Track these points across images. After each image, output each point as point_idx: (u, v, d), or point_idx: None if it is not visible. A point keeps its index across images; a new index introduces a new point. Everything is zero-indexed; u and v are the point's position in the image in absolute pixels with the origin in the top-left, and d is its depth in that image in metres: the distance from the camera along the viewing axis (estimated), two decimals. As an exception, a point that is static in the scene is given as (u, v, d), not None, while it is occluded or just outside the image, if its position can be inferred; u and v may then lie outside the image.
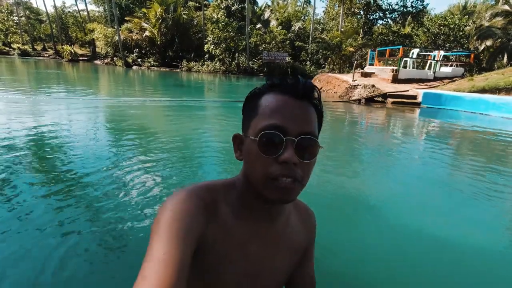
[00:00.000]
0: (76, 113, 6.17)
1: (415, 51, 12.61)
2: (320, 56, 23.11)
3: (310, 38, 25.08)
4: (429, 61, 12.78)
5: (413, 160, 4.49)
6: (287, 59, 22.89)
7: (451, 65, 12.89)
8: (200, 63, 25.20)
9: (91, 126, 5.10)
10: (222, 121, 6.73)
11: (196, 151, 4.09)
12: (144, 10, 26.17)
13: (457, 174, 3.88)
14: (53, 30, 36.75)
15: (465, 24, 25.51)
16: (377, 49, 14.55)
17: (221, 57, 24.47)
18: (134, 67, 26.02)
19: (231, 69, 24.28)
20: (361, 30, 25.29)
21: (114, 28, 27.20)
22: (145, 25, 26.59)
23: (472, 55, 14.01)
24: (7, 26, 36.30)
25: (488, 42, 23.60)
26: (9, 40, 36.68)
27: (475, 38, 24.11)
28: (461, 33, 24.91)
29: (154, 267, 0.44)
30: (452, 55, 14.51)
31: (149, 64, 26.26)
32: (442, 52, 12.63)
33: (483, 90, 9.56)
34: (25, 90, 9.04)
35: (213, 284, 0.61)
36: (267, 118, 0.52)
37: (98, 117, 6.08)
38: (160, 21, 25.39)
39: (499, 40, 23.02)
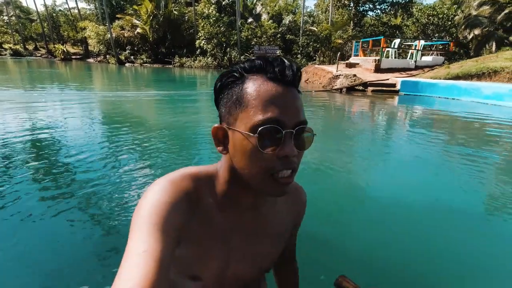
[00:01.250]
0: (71, 107, 6.78)
1: (397, 41, 13.25)
2: (311, 49, 23.67)
3: (300, 31, 25.61)
4: (410, 51, 13.43)
5: (388, 139, 5.15)
6: (278, 52, 23.41)
7: (432, 54, 13.54)
8: (192, 58, 25.72)
9: (86, 119, 5.61)
10: (213, 111, 7.38)
11: (188, 139, 4.54)
12: (135, 7, 26.55)
13: (429, 150, 4.39)
14: (45, 29, 36.99)
15: (454, 13, 26.11)
16: (361, 40, 15.16)
17: (213, 52, 25.00)
18: (127, 64, 26.48)
19: (223, 64, 24.82)
20: (351, 22, 25.85)
21: (106, 25, 27.59)
22: (137, 22, 27.00)
23: (451, 44, 14.66)
24: (-3, 26, 36.56)
25: (476, 31, 24.22)
26: (0, 40, 36.92)
27: (463, 27, 24.74)
28: (449, 23, 25.55)
29: (134, 264, 0.43)
30: (433, 44, 15.14)
31: (141, 61, 26.73)
32: (422, 42, 13.27)
33: (457, 77, 10.23)
34: (21, 88, 9.60)
35: (197, 276, 0.61)
36: (261, 111, 0.49)
37: (92, 111, 6.68)
38: (151, 17, 25.81)
39: (486, 28, 23.67)
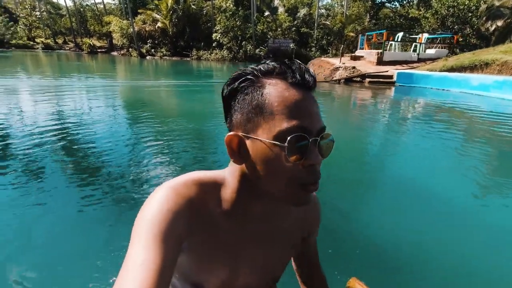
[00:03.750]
0: (98, 93, 8.40)
1: (400, 34, 14.01)
2: (324, 42, 24.52)
3: (315, 24, 26.45)
4: (413, 44, 14.17)
5: (377, 123, 6.23)
6: (291, 45, 24.50)
7: (436, 47, 14.19)
8: (209, 51, 27.31)
9: (110, 105, 6.88)
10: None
11: (201, 122, 5.29)
12: (156, 2, 28.45)
13: (418, 134, 5.21)
14: (73, 23, 39.95)
15: (476, 4, 25.85)
16: (366, 33, 15.98)
17: (228, 45, 26.43)
18: (148, 57, 28.54)
19: (238, 56, 26.23)
20: (368, 14, 26.32)
21: (129, 20, 29.74)
22: (157, 17, 28.92)
23: (455, 37, 15.14)
24: (30, 21, 39.85)
25: (499, 23, 23.98)
26: (32, 34, 40.27)
27: (484, 19, 24.54)
28: (470, 14, 25.36)
29: (133, 274, 0.42)
30: (437, 37, 15.69)
31: (161, 54, 28.67)
32: (426, 35, 13.96)
33: (451, 69, 11.00)
34: (53, 76, 11.46)
35: (201, 284, 0.62)
36: (288, 118, 0.47)
37: (116, 97, 8.27)
38: (171, 12, 27.62)
39: (509, 20, 23.38)
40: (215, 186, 0.58)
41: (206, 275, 0.61)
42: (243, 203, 0.58)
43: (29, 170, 3.02)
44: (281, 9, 29.51)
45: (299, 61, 0.53)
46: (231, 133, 0.52)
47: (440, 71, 11.17)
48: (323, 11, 30.18)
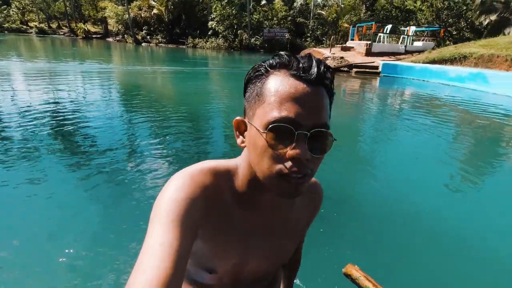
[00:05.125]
0: (92, 78, 8.98)
1: (389, 27, 14.64)
2: (319, 32, 25.02)
3: (311, 14, 26.87)
4: (402, 36, 14.82)
5: (361, 110, 6.97)
6: (287, 35, 25.00)
7: (423, 40, 14.85)
8: (205, 39, 27.69)
9: (109, 91, 7.24)
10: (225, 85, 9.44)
11: (195, 106, 5.71)
12: (152, -12, 28.62)
13: (399, 121, 5.87)
14: (67, 8, 39.80)
15: (471, -3, 26.35)
16: (357, 25, 16.57)
17: (224, 33, 26.83)
18: (143, 44, 28.85)
19: (234, 45, 26.67)
20: (364, 5, 26.74)
21: (124, 6, 29.89)
22: (153, 3, 29.12)
23: (442, 30, 15.79)
24: (23, 4, 39.63)
25: (492, 17, 24.60)
26: (26, 18, 40.10)
27: (478, 12, 25.13)
28: (464, 8, 25.92)
29: (152, 256, 0.45)
30: (423, 31, 16.33)
31: (157, 41, 28.99)
32: (413, 28, 14.60)
33: (433, 61, 11.70)
34: (48, 60, 11.97)
35: (213, 269, 0.66)
36: (277, 108, 0.48)
37: (111, 81, 8.85)
38: (167, -2, 27.86)
39: (502, 14, 23.99)
40: (229, 175, 0.61)
41: (218, 260, 0.64)
42: (253, 191, 0.60)
43: (25, 154, 3.08)
44: (277, -2, 29.84)
45: (312, 55, 0.52)
46: (239, 118, 0.57)
47: (423, 63, 11.87)
48: (319, 1, 30.53)
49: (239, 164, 0.62)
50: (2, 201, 2.31)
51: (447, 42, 21.24)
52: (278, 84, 0.50)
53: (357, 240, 2.06)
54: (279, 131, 0.48)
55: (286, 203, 0.68)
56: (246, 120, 0.56)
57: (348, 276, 0.87)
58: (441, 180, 3.17)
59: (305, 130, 0.49)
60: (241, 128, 0.58)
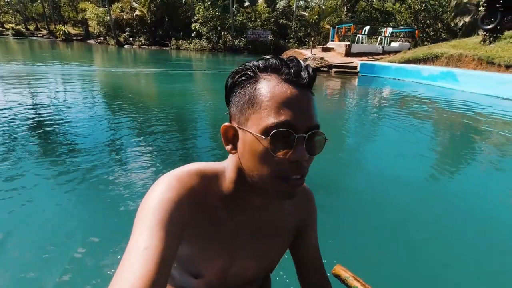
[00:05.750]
0: (74, 81, 9.04)
1: (367, 28, 15.27)
2: (302, 34, 25.60)
3: (293, 16, 27.45)
4: (379, 37, 15.47)
5: (340, 107, 7.37)
6: (270, 36, 25.45)
7: (400, 41, 15.54)
8: (188, 41, 27.81)
9: (88, 91, 7.17)
10: (209, 87, 9.64)
11: (182, 107, 5.83)
12: (134, -11, 28.51)
13: (376, 117, 6.58)
14: (45, 9, 38.99)
15: (446, 0, 27.58)
16: (337, 26, 17.16)
17: (208, 35, 27.04)
18: (126, 46, 28.66)
19: (218, 47, 26.92)
20: (345, 7, 27.55)
21: (105, 7, 29.62)
22: (135, 5, 29.01)
23: (417, 32, 16.61)
24: (-2, 5, 38.62)
25: (466, 18, 25.84)
26: (1, 20, 39.01)
27: (452, 14, 26.32)
28: (440, 10, 27.11)
29: (135, 259, 0.45)
30: (400, 31, 17.09)
31: (140, 43, 28.89)
32: (390, 29, 15.29)
33: (408, 61, 12.31)
34: (28, 63, 11.88)
35: (200, 274, 0.66)
36: (275, 113, 0.50)
37: (94, 84, 8.95)
38: (149, 0, 27.79)
39: (475, 16, 25.25)
40: (216, 178, 0.61)
41: (203, 264, 0.64)
42: (240, 194, 0.61)
43: (4, 156, 3.04)
44: (260, 0, 30.30)
45: (298, 59, 0.54)
46: (227, 124, 0.57)
47: (399, 62, 12.47)
48: (302, 2, 31.19)
49: (227, 167, 0.63)
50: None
51: (425, 43, 22.28)
52: (272, 89, 0.51)
53: (345, 240, 2.07)
54: (280, 136, 0.50)
55: (273, 205, 0.69)
56: (235, 126, 0.56)
57: (337, 276, 0.88)
58: (422, 173, 3.30)
59: (302, 133, 0.51)
60: (229, 134, 0.58)
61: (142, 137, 3.95)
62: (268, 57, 0.54)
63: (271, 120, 0.50)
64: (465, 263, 1.96)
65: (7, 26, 37.01)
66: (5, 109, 4.78)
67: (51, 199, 2.37)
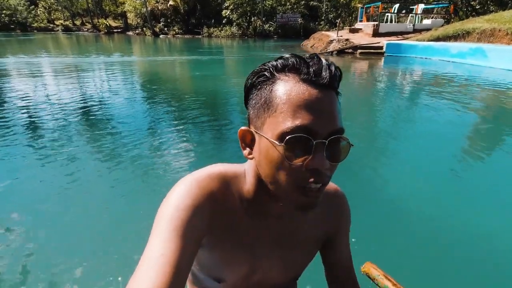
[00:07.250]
0: (116, 69, 10.27)
1: (396, 6, 14.90)
2: (332, 15, 25.24)
3: (324, -3, 27.04)
4: (410, 15, 15.06)
5: (365, 89, 7.83)
6: (299, 20, 25.44)
7: (432, 17, 15.01)
8: (219, 28, 28.71)
9: (131, 81, 8.79)
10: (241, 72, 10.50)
11: (215, 95, 6.05)
12: (167, -20, 29.86)
13: (400, 97, 6.71)
14: (89, 4, 42.05)
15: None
16: (365, 6, 16.88)
17: (238, 21, 27.69)
18: (161, 36, 30.37)
19: (248, 33, 27.52)
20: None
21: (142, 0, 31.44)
22: (169, -5, 30.43)
23: (452, 7, 15.76)
24: (49, 3, 42.28)
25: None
26: (52, 17, 42.80)
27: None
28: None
29: (151, 265, 0.44)
30: (433, 8, 16.34)
31: (174, 32, 30.41)
32: (421, 6, 14.76)
33: (437, 39, 12.04)
34: (79, 55, 13.48)
35: (222, 281, 0.65)
36: (291, 117, 0.46)
37: (135, 73, 10.09)
38: (182, -10, 29.04)
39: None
40: (236, 181, 0.60)
41: (225, 269, 0.64)
42: (261, 200, 0.59)
43: (52, 145, 3.33)
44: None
45: (319, 56, 0.50)
46: (244, 127, 0.54)
47: (428, 41, 12.23)
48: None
49: (247, 169, 0.60)
50: (33, 190, 2.49)
51: (470, 18, 20.73)
52: (289, 90, 0.47)
53: (376, 237, 1.98)
54: (296, 142, 0.46)
55: (295, 213, 0.65)
56: (253, 130, 0.53)
57: (367, 274, 0.84)
58: (462, 163, 3.10)
59: (322, 139, 0.47)
60: (247, 139, 0.55)
61: (178, 122, 4.30)
62: (287, 56, 0.50)
63: (286, 124, 0.46)
64: (506, 261, 1.85)
65: (57, 22, 40.62)
66: (60, 97, 5.63)
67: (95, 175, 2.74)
